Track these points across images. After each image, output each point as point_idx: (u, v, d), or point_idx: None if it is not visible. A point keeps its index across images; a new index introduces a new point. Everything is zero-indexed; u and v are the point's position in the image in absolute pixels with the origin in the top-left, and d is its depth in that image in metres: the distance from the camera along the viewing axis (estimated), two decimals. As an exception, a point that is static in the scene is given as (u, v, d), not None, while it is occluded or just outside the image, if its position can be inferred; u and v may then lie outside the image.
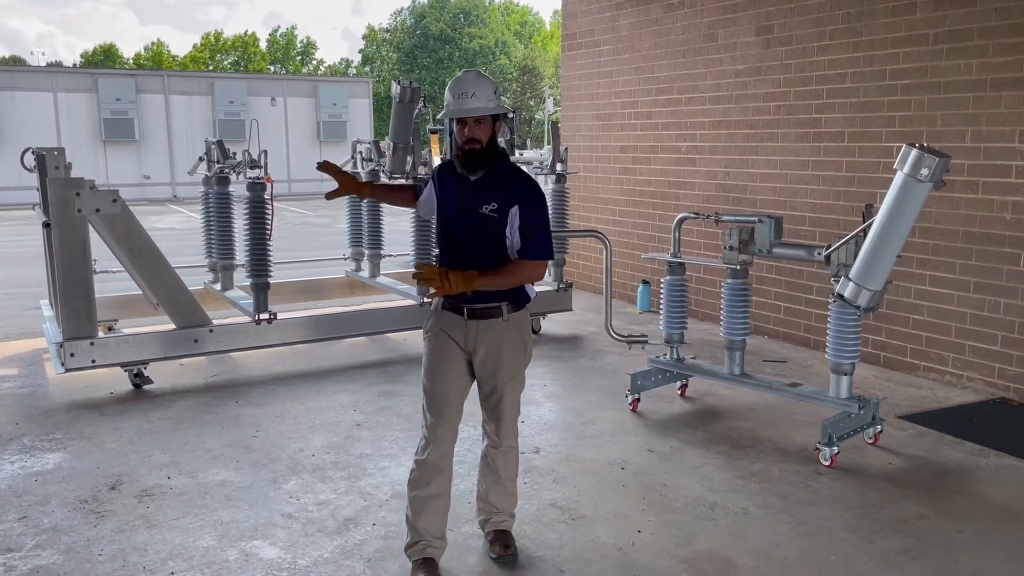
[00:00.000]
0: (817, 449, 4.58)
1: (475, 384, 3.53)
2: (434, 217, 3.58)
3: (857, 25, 6.45)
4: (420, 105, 6.61)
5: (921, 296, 6.15)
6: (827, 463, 4.50)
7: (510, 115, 6.01)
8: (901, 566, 3.51)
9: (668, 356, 5.46)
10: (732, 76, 7.51)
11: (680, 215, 5.42)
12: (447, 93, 3.32)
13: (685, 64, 8.01)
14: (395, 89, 6.53)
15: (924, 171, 3.86)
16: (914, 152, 3.89)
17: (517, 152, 14.44)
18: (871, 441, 4.82)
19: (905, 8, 6.10)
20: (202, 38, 52.40)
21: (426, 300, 6.99)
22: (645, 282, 8.33)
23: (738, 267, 5.03)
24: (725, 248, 5.01)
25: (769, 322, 7.29)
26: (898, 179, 3.99)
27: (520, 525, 3.86)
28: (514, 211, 3.29)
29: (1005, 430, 5.08)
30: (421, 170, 6.81)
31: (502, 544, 3.63)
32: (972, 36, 5.71)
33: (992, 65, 5.60)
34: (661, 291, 5.49)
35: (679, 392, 5.71)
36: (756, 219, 4.88)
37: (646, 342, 5.46)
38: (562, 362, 6.61)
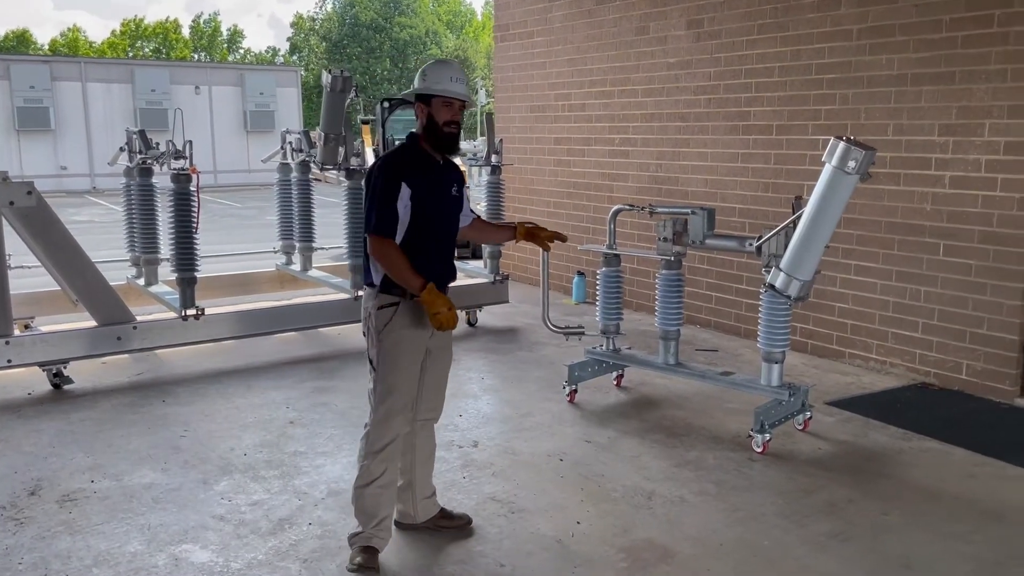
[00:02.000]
0: (750, 436, 4.66)
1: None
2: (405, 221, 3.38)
3: (784, 20, 6.57)
4: (352, 95, 6.49)
5: (846, 285, 6.32)
6: (759, 450, 4.59)
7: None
8: (832, 549, 3.60)
9: (604, 347, 5.49)
10: (663, 69, 7.59)
11: (615, 207, 5.45)
12: (434, 74, 3.37)
13: (617, 57, 8.05)
14: (326, 78, 6.40)
15: (851, 163, 3.96)
16: (841, 145, 3.98)
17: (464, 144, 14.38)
18: (801, 427, 4.94)
19: (830, 4, 6.24)
20: (121, 24, 50.61)
21: (360, 294, 6.88)
22: (580, 273, 8.38)
23: (672, 258, 5.08)
24: (659, 240, 5.06)
25: (701, 311, 7.40)
26: (826, 171, 4.08)
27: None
28: (464, 191, 3.64)
29: (926, 414, 5.26)
30: (353, 161, 6.70)
31: (457, 514, 3.80)
32: (894, 32, 5.88)
33: (913, 60, 5.78)
34: (597, 282, 5.51)
35: (615, 382, 5.76)
36: (689, 211, 4.94)
37: (583, 333, 5.48)
38: (499, 354, 6.59)
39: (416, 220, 3.35)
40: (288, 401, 5.53)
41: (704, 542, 3.66)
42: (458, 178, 3.60)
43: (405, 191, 3.30)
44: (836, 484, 4.24)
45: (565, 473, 4.39)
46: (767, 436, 4.59)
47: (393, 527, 3.61)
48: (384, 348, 3.41)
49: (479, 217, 3.92)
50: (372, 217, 3.31)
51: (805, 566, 3.47)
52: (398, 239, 3.34)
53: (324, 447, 4.75)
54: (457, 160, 3.71)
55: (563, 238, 3.90)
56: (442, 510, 3.81)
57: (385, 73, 50.54)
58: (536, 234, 3.86)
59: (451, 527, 3.77)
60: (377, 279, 3.43)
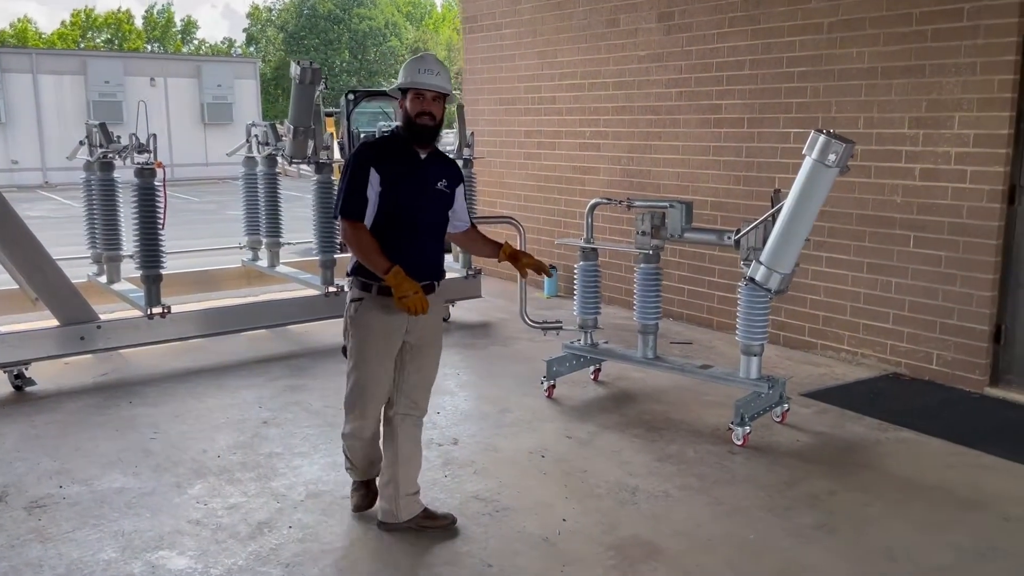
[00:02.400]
0: (730, 429, 4.67)
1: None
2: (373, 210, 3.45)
3: (755, 13, 6.59)
4: (321, 87, 6.36)
5: (818, 277, 6.37)
6: (739, 442, 4.60)
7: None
8: (817, 541, 3.61)
9: (582, 341, 5.46)
10: (634, 62, 7.57)
11: (593, 201, 5.42)
12: (406, 69, 3.45)
13: (588, 49, 8.02)
14: (295, 70, 6.26)
15: (831, 156, 3.97)
16: (822, 138, 3.98)
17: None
18: (779, 419, 4.96)
19: (801, -3, 6.27)
20: (72, 15, 49.33)
21: (331, 290, 6.78)
22: (552, 267, 8.32)
23: (651, 252, 5.06)
24: (638, 233, 5.04)
25: (674, 304, 7.41)
26: (806, 164, 4.08)
27: (444, 520, 3.79)
28: (459, 189, 3.65)
29: (900, 404, 5.32)
30: (323, 154, 6.58)
31: (442, 514, 3.77)
32: (864, 25, 5.92)
33: (883, 54, 5.83)
34: (574, 277, 5.48)
35: (592, 377, 5.73)
36: (668, 204, 4.92)
37: (560, 328, 5.44)
38: (474, 349, 6.53)
39: (385, 207, 3.41)
40: (260, 400, 5.42)
41: (691, 537, 3.65)
42: (448, 175, 3.59)
43: (374, 176, 3.38)
44: (817, 476, 4.26)
45: (548, 470, 4.35)
46: (747, 429, 4.60)
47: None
48: (355, 339, 3.53)
49: (475, 227, 3.89)
50: (340, 200, 3.43)
51: (792, 559, 3.48)
52: (368, 224, 3.42)
53: (300, 447, 4.66)
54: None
55: (547, 271, 3.91)
56: (425, 510, 3.75)
57: (344, 65, 49.96)
58: (518, 258, 3.84)
59: (434, 527, 3.71)
60: (350, 267, 3.54)
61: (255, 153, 7.63)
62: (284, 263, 7.83)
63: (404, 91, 3.45)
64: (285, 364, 6.20)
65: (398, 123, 3.56)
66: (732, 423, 4.63)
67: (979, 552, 3.52)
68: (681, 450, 4.59)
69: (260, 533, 3.70)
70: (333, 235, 6.90)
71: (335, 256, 6.93)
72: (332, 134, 7.38)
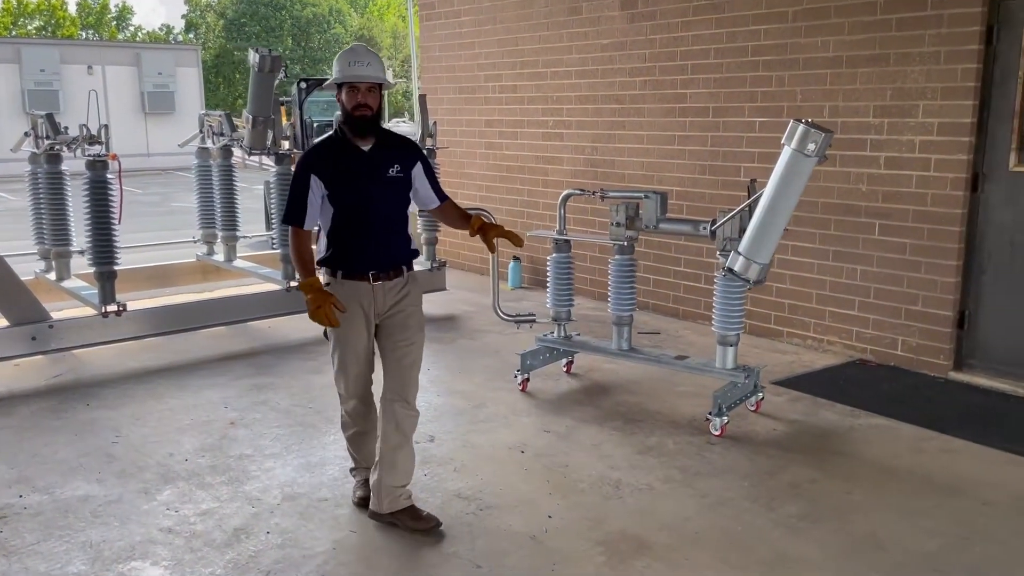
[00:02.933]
0: (707, 419, 4.66)
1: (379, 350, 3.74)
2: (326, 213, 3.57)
3: (719, 1, 6.58)
4: (281, 75, 6.17)
5: (784, 265, 6.40)
6: (717, 433, 4.60)
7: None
8: (804, 532, 3.62)
9: (556, 334, 5.41)
10: (597, 50, 7.52)
11: (565, 192, 5.35)
12: (338, 63, 3.48)
13: (549, 37, 7.94)
14: (253, 58, 6.06)
15: (811, 146, 3.96)
16: (801, 127, 3.97)
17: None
18: (753, 408, 4.97)
19: (765, -14, 6.28)
20: (3, 1, 47.53)
21: (293, 284, 6.61)
22: (516, 259, 8.27)
23: (625, 243, 5.02)
24: (612, 224, 4.99)
25: (639, 294, 7.34)
26: (785, 154, 4.07)
27: (428, 520, 3.71)
28: (417, 169, 3.65)
29: (869, 390, 5.38)
30: (285, 144, 6.39)
31: (426, 515, 3.70)
32: (829, 14, 5.95)
33: (848, 43, 5.86)
34: (546, 269, 5.41)
35: (565, 369, 5.68)
36: (642, 195, 4.88)
37: (534, 321, 5.38)
38: (442, 343, 6.43)
39: (336, 208, 3.51)
40: (225, 400, 5.25)
41: (679, 531, 3.63)
42: (401, 159, 3.60)
43: (316, 182, 3.48)
44: (797, 464, 4.27)
45: (529, 465, 4.29)
46: (725, 419, 4.59)
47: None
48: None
49: (451, 202, 3.86)
50: (285, 208, 3.59)
51: (781, 551, 3.47)
52: (326, 228, 3.57)
53: (271, 448, 4.52)
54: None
55: (518, 241, 3.80)
56: (412, 508, 3.67)
57: (287, 52, 49.01)
58: (486, 231, 3.79)
59: (417, 529, 3.62)
60: (317, 255, 3.63)
61: (209, 143, 7.39)
62: (241, 257, 7.62)
63: (339, 85, 3.49)
64: (249, 362, 6.02)
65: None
66: (710, 414, 4.62)
67: (963, 537, 3.56)
68: (660, 442, 4.56)
69: (237, 540, 3.57)
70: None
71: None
72: (292, 124, 7.16)
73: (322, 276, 3.61)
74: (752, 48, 6.42)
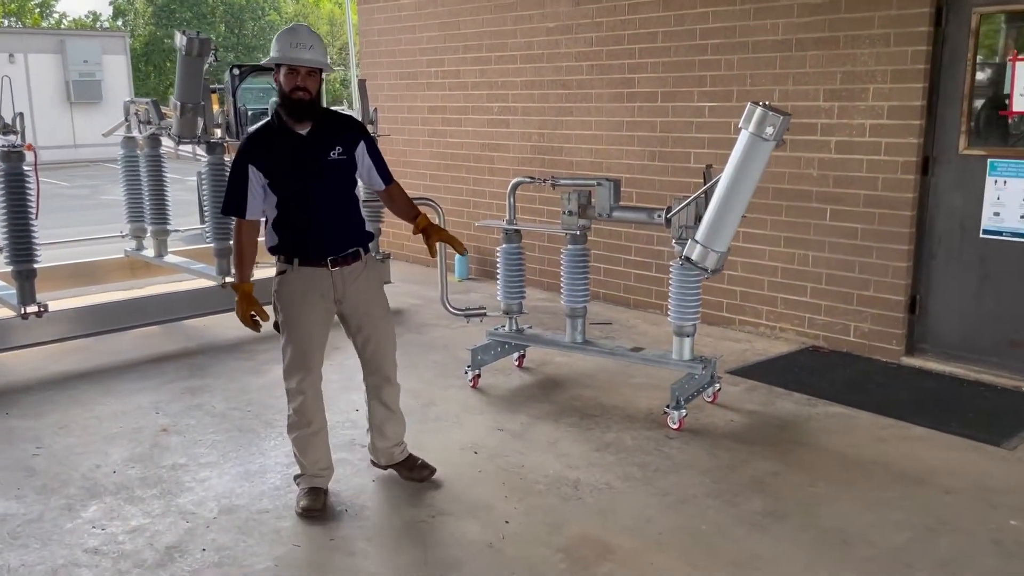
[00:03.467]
0: (665, 413, 4.53)
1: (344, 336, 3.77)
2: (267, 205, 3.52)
3: (667, -17, 6.44)
4: (211, 59, 5.83)
5: (735, 252, 6.27)
6: (675, 426, 4.47)
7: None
8: (770, 528, 3.50)
9: (507, 328, 5.21)
10: (543, 34, 7.32)
11: (515, 180, 5.14)
12: (278, 42, 3.35)
13: (493, 20, 7.71)
14: (180, 41, 5.69)
15: (769, 129, 3.83)
16: (759, 110, 3.84)
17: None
18: (710, 400, 4.86)
19: (713, -33, 6.15)
20: (-87, -16, 45.10)
21: (228, 280, 6.29)
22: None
23: (578, 232, 4.85)
24: (564, 213, 4.81)
25: (590, 284, 7.23)
26: (743, 138, 3.93)
27: (378, 530, 3.49)
28: (360, 149, 3.56)
29: (824, 377, 5.32)
30: (217, 133, 6.05)
31: (419, 465, 3.89)
32: (778, -4, 5.85)
33: (797, 25, 5.77)
34: (496, 260, 5.21)
35: (517, 363, 5.50)
36: (595, 182, 4.71)
37: (484, 314, 5.18)
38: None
39: (281, 197, 3.44)
40: (157, 405, 4.93)
41: (641, 533, 3.48)
42: (342, 140, 3.51)
43: (254, 173, 3.40)
44: (757, 457, 4.16)
45: (482, 467, 4.09)
46: (683, 412, 4.46)
47: (332, 467, 3.78)
48: (283, 311, 3.55)
49: (397, 186, 3.79)
50: (224, 199, 3.50)
51: (748, 549, 3.35)
52: (270, 217, 3.50)
53: (207, 456, 4.24)
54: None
55: (460, 248, 3.84)
56: (408, 459, 3.91)
57: (220, 40, 47.68)
58: (429, 234, 3.75)
59: (412, 478, 3.87)
60: (267, 246, 3.57)
61: (136, 133, 6.99)
62: (172, 252, 7.25)
63: (277, 65, 3.39)
64: (181, 363, 5.69)
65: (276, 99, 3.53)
66: (668, 407, 4.49)
67: (929, 528, 3.48)
68: (618, 437, 4.41)
69: (170, 559, 3.30)
70: (228, 221, 6.38)
71: (231, 243, 6.42)
72: (223, 111, 6.82)
73: (277, 265, 3.56)
74: (700, 31, 6.29)
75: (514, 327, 5.21)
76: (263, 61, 3.50)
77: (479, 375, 5.13)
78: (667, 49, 6.51)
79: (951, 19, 5.18)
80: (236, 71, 11.10)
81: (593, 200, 4.79)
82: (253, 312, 3.49)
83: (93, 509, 3.70)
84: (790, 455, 4.19)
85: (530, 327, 5.43)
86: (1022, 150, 5.04)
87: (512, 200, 5.10)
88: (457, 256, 8.04)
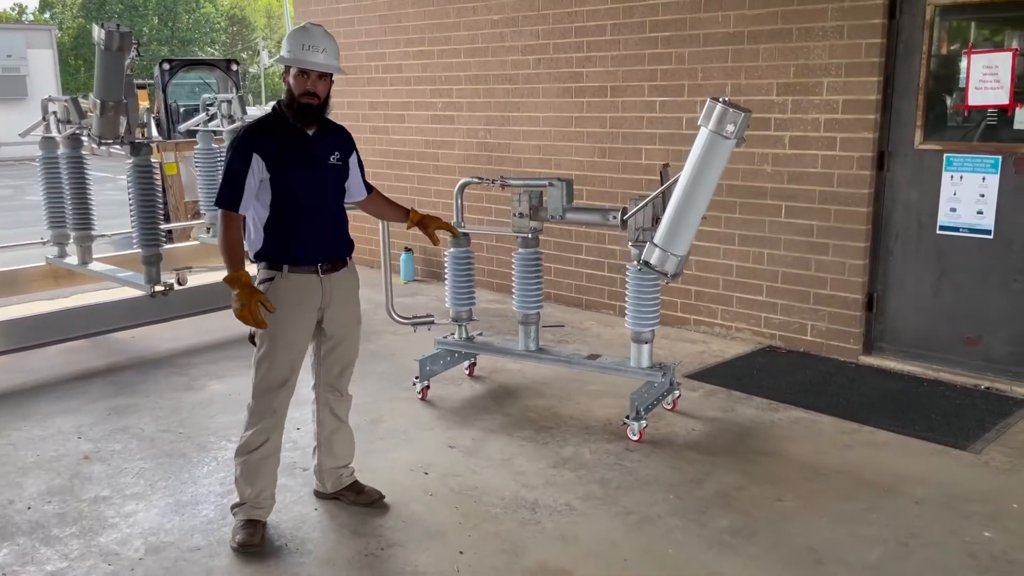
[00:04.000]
0: (624, 424, 4.33)
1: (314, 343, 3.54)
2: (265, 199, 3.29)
3: (615, -26, 6.23)
4: (133, 54, 5.43)
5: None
6: (636, 438, 4.27)
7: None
8: (739, 549, 3.32)
9: (457, 335, 4.96)
10: (487, 27, 7.06)
11: (462, 180, 4.88)
12: (289, 42, 3.21)
13: (435, 13, 7.42)
14: (99, 34, 5.27)
15: (730, 127, 3.64)
16: (719, 107, 3.65)
17: (257, 108, 13.07)
18: (670, 407, 4.68)
19: (662, -43, 5.96)
20: None
21: (158, 289, 5.91)
22: (408, 250, 7.77)
23: (529, 235, 4.62)
24: (514, 215, 4.57)
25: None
26: (702, 136, 3.74)
27: (322, 566, 3.21)
28: (353, 158, 3.52)
29: (783, 379, 5.18)
30: (139, 134, 5.66)
31: (367, 490, 3.68)
32: (729, -12, 5.69)
33: (749, 17, 5.62)
34: (444, 264, 4.95)
35: (467, 372, 5.25)
36: (547, 182, 4.48)
37: (432, 322, 4.91)
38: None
39: (277, 191, 3.25)
40: (79, 429, 4.56)
41: (606, 559, 3.26)
42: (340, 146, 3.45)
43: (258, 163, 3.20)
44: (721, 470, 3.98)
45: (434, 489, 3.83)
46: (643, 423, 4.27)
47: (274, 497, 3.50)
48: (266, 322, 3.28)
49: (377, 192, 3.79)
50: (219, 189, 3.26)
51: (718, 574, 3.16)
52: (264, 216, 3.28)
53: (133, 487, 3.90)
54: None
55: (455, 232, 4.06)
56: (354, 484, 3.70)
57: (153, 33, 46.36)
58: (427, 224, 3.90)
59: (360, 503, 3.64)
60: (253, 252, 3.35)
61: (55, 132, 6.52)
62: (98, 259, 6.80)
63: (288, 66, 3.27)
64: (108, 380, 5.31)
65: (280, 98, 3.37)
66: (627, 417, 4.29)
67: (902, 543, 3.34)
68: (576, 452, 4.20)
69: (89, 610, 2.98)
70: (156, 225, 6.00)
71: (160, 250, 6.05)
72: (149, 109, 6.40)
73: (259, 271, 3.34)
74: (650, 24, 6.11)
75: (464, 335, 4.96)
76: (273, 60, 3.34)
77: (428, 386, 4.87)
78: (616, 42, 6.31)
79: (905, 11, 5.07)
80: (166, 66, 10.61)
81: (545, 201, 4.56)
82: (261, 300, 3.16)
83: (4, 552, 3.35)
84: (754, 466, 4.03)
85: (480, 334, 5.18)
86: (977, 145, 4.96)
87: (460, 202, 4.84)
88: (403, 256, 7.75)
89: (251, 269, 3.29)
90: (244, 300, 3.14)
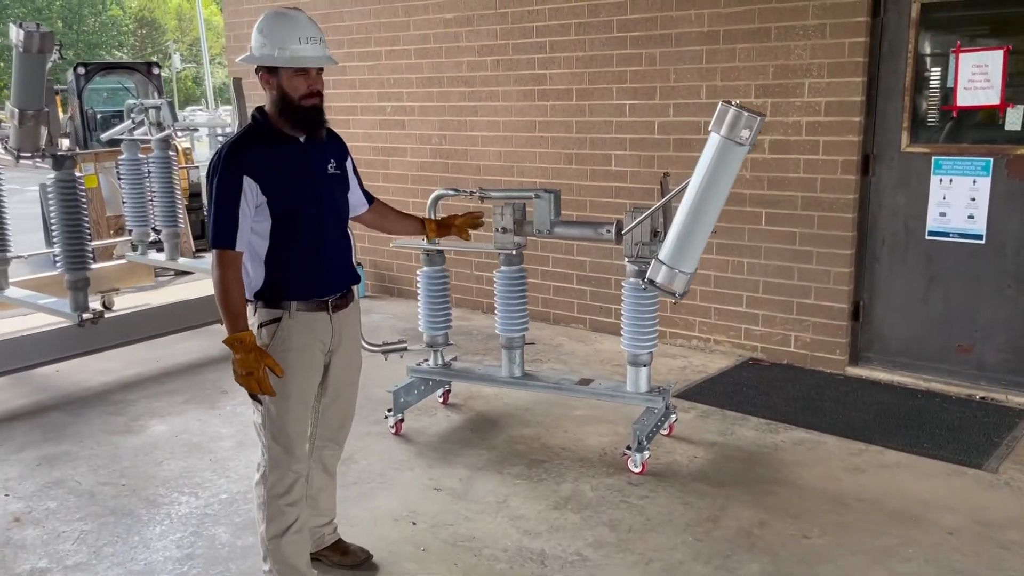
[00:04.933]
0: (624, 455, 3.99)
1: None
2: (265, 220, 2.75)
3: (578, -30, 5.91)
4: (55, 56, 4.83)
5: (663, 261, 5.87)
6: (638, 470, 3.93)
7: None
8: (778, 598, 3.01)
9: (432, 362, 4.54)
10: (440, 26, 6.64)
11: (436, 192, 4.46)
12: (274, 34, 2.66)
13: (381, 11, 6.97)
14: (16, 35, 4.65)
15: (745, 133, 3.32)
16: (732, 111, 3.32)
17: (182, 114, 12.28)
18: (666, 432, 4.36)
19: (629, -47, 5.66)
20: None
21: (86, 316, 5.31)
22: (358, 264, 7.27)
23: (514, 252, 4.23)
24: (496, 230, 4.18)
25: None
26: (714, 143, 3.41)
27: (312, 652, 2.77)
28: (349, 164, 3.04)
29: (774, 395, 4.93)
30: (63, 144, 5.05)
31: (351, 550, 3.25)
32: (702, -15, 5.42)
33: (724, 16, 5.36)
34: (417, 284, 4.53)
35: (442, 400, 4.84)
36: (532, 194, 4.10)
37: (406, 349, 4.48)
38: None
39: (279, 218, 2.73)
40: (5, 485, 3.98)
41: (634, 618, 2.91)
42: (335, 152, 2.94)
43: (250, 186, 2.66)
44: (736, 503, 3.67)
45: (425, 542, 3.41)
46: (646, 454, 3.93)
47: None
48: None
49: (380, 201, 3.35)
50: (211, 227, 2.70)
51: (762, 631, 2.84)
52: (264, 248, 2.76)
53: (75, 555, 3.37)
54: None
55: (479, 221, 3.59)
56: (337, 543, 3.27)
57: (58, 37, 44.06)
58: (450, 224, 3.52)
59: (345, 564, 3.21)
60: (250, 291, 2.79)
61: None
62: (15, 284, 6.13)
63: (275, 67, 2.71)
64: (33, 424, 4.71)
65: (261, 106, 2.82)
66: (628, 448, 3.95)
67: (948, 583, 3.08)
68: (576, 489, 3.83)
69: None
70: (84, 246, 5.41)
71: (87, 272, 5.45)
72: (71, 117, 5.79)
73: (259, 312, 2.81)
74: (618, 23, 5.80)
75: (440, 361, 4.54)
76: (258, 61, 2.69)
77: (402, 419, 4.43)
78: (581, 42, 5.98)
79: (890, 8, 4.88)
80: (81, 70, 9.83)
81: (529, 214, 4.19)
82: (270, 365, 2.66)
83: (-80, 650, 2.80)
84: (770, 497, 3.73)
85: (455, 358, 4.77)
86: (967, 147, 4.79)
87: (433, 215, 4.41)
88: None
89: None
90: (251, 366, 2.63)
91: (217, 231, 2.67)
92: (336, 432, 3.11)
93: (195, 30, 44.62)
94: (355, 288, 3.02)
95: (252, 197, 2.67)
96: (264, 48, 2.68)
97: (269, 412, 2.80)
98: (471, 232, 3.61)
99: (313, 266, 2.80)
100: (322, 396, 2.99)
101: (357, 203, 3.15)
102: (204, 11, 36.17)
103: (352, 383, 3.09)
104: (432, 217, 4.00)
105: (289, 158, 2.77)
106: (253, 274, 2.78)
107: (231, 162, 2.68)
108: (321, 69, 2.76)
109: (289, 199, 2.74)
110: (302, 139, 2.81)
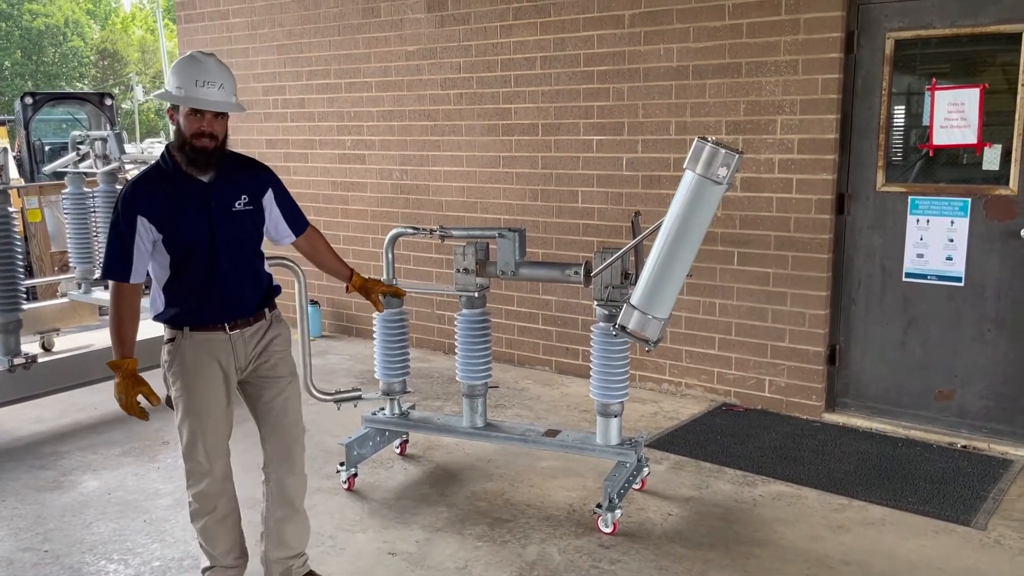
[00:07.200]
0: (595, 513, 3.71)
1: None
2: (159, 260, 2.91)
3: (544, 3, 5.74)
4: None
5: (633, 301, 5.65)
6: (609, 530, 3.66)
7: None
8: None
9: (388, 411, 4.24)
10: (402, 59, 6.43)
11: (394, 231, 4.20)
12: (178, 76, 2.80)
13: (342, 43, 6.75)
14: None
15: (722, 171, 3.14)
16: (708, 147, 3.14)
17: (140, 146, 11.94)
18: (638, 487, 4.10)
19: (597, -15, 5.51)
20: None
21: (18, 361, 4.96)
22: (314, 303, 6.98)
23: (476, 294, 3.98)
24: (458, 270, 3.93)
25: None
26: (689, 181, 3.22)
27: None
28: (268, 197, 3.07)
29: (749, 444, 4.70)
30: (11, 173, 4.73)
31: None
32: (671, 18, 5.27)
33: (694, 51, 5.21)
34: (373, 328, 4.24)
35: (398, 450, 4.53)
36: (495, 233, 3.86)
37: (359, 398, 4.18)
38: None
39: (175, 255, 2.88)
40: (-90, 553, 3.59)
41: None
42: (249, 188, 2.99)
43: (145, 226, 2.81)
44: (716, 569, 3.41)
45: (378, 617, 3.10)
46: (618, 513, 3.66)
47: (247, 553, 3.16)
48: (176, 385, 2.97)
49: (316, 232, 3.35)
50: (104, 259, 2.91)
51: None
52: (165, 277, 2.94)
53: (-18, 636, 3.00)
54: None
55: (400, 294, 3.79)
56: (309, 574, 3.20)
57: (16, 68, 43.69)
58: (370, 290, 3.56)
59: None
60: (153, 313, 2.98)
61: None
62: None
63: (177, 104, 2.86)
64: (-49, 481, 4.31)
65: (170, 140, 2.93)
66: (599, 506, 3.67)
67: (947, 658, 2.84)
68: (543, 552, 3.54)
69: None
70: (16, 287, 5.06)
71: (19, 314, 5.10)
72: (7, 148, 5.46)
73: (165, 332, 3.01)
74: (584, 57, 5.63)
75: (397, 410, 4.25)
76: (158, 96, 2.88)
77: (355, 474, 4.12)
78: (547, 76, 5.80)
79: (863, 44, 4.76)
80: (29, 100, 9.47)
81: (492, 254, 3.94)
82: (141, 395, 2.85)
83: None
84: (752, 561, 3.47)
85: (412, 406, 4.48)
86: (944, 187, 4.66)
87: (390, 255, 4.15)
88: (309, 309, 6.94)
89: (159, 329, 3.01)
90: (123, 391, 2.85)
91: (108, 264, 2.87)
92: (284, 452, 3.09)
93: (158, 63, 44.19)
94: (271, 312, 3.08)
95: (148, 235, 2.82)
96: (169, 86, 2.82)
97: (180, 430, 2.96)
98: (382, 304, 3.67)
99: (205, 296, 2.91)
100: (257, 408, 3.09)
101: (280, 234, 3.18)
102: (168, 43, 35.84)
103: (286, 404, 3.09)
104: (368, 276, 3.71)
105: (185, 198, 2.85)
106: (157, 299, 2.96)
107: (128, 202, 2.82)
108: (221, 114, 2.83)
109: (183, 237, 2.85)
110: (206, 179, 2.87)
